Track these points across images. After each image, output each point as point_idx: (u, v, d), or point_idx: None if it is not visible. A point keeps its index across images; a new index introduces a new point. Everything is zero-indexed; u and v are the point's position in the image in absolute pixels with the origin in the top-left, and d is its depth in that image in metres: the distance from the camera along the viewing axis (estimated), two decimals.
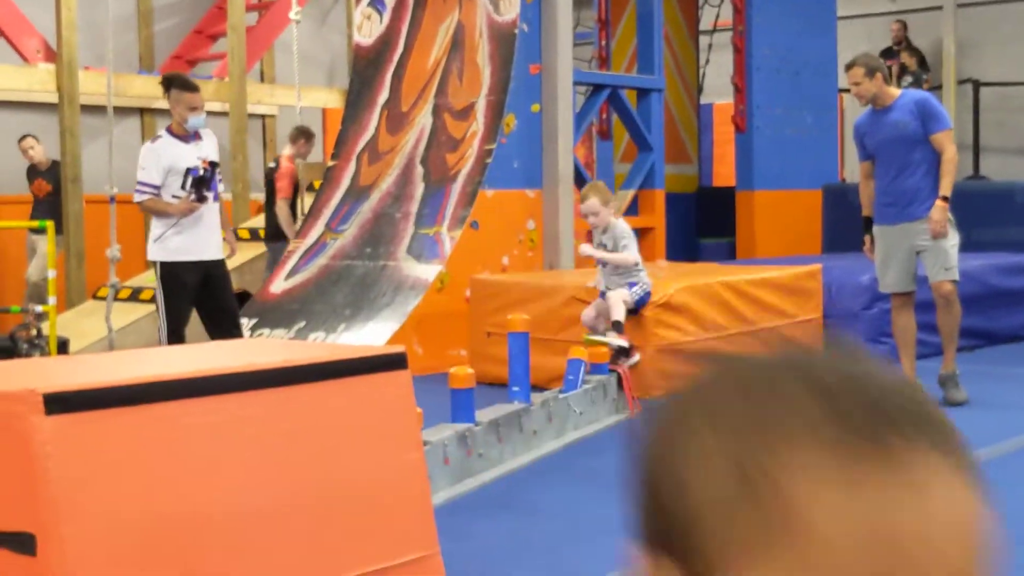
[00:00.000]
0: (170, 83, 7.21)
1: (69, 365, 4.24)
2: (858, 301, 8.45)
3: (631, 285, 7.18)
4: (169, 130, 7.22)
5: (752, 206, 12.08)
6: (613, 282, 7.23)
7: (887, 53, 14.66)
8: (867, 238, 7.00)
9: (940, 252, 6.72)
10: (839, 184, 12.46)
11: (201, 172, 7.02)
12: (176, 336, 7.14)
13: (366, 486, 3.63)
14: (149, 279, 9.72)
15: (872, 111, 6.85)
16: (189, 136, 7.17)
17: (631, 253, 7.20)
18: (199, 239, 7.13)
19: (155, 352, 5.08)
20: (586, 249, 7.26)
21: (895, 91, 6.87)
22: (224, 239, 7.43)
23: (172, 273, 7.12)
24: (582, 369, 6.42)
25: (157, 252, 7.15)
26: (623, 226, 7.39)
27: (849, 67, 6.81)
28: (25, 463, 2.94)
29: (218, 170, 7.31)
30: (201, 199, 7.03)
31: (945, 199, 6.64)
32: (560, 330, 7.45)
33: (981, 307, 8.61)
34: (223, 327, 7.24)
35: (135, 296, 10.02)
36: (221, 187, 7.45)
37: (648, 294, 7.23)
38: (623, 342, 7.01)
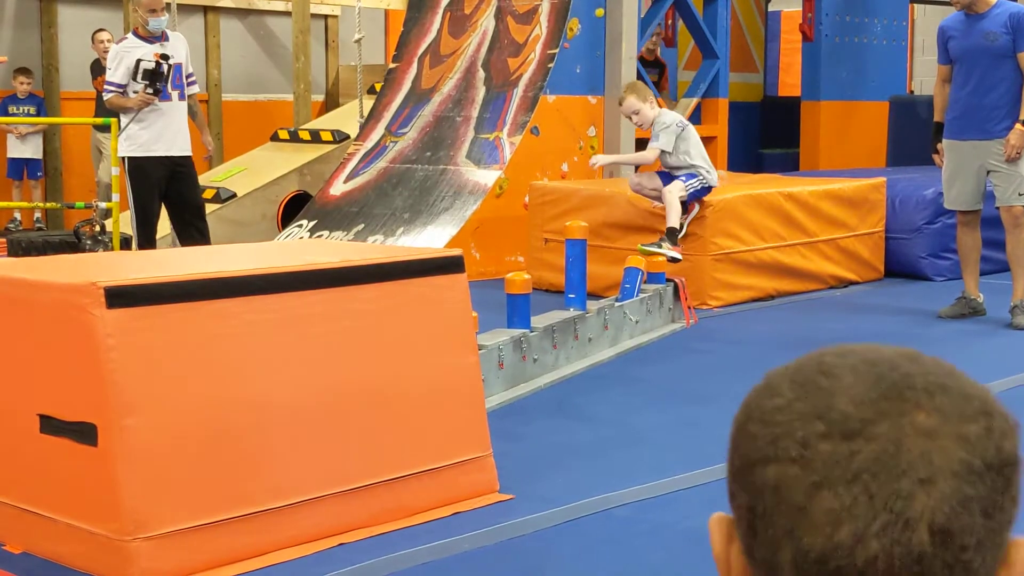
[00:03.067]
0: None
1: (132, 260, 4.30)
2: (921, 215, 8.33)
3: (688, 177, 7.06)
4: (135, 32, 7.48)
5: (817, 117, 11.90)
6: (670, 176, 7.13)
7: None
8: (938, 146, 6.82)
9: (1014, 176, 6.54)
10: (907, 96, 12.22)
11: (154, 66, 7.21)
12: (145, 229, 7.36)
13: (421, 387, 3.66)
14: (213, 179, 9.79)
15: (964, 15, 6.61)
16: (154, 37, 7.39)
17: (655, 144, 6.97)
18: (164, 135, 7.33)
19: (216, 250, 5.13)
20: (598, 159, 7.15)
21: None
22: (202, 140, 7.73)
23: (138, 167, 7.33)
24: (639, 278, 6.40)
25: (124, 147, 7.37)
26: (662, 117, 7.10)
27: None
28: (87, 355, 2.99)
29: (186, 70, 7.50)
30: (156, 92, 7.22)
31: None
32: (618, 238, 7.42)
33: None
34: (186, 220, 7.48)
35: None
36: (195, 88, 7.68)
37: (707, 188, 7.10)
38: (677, 254, 6.91)
